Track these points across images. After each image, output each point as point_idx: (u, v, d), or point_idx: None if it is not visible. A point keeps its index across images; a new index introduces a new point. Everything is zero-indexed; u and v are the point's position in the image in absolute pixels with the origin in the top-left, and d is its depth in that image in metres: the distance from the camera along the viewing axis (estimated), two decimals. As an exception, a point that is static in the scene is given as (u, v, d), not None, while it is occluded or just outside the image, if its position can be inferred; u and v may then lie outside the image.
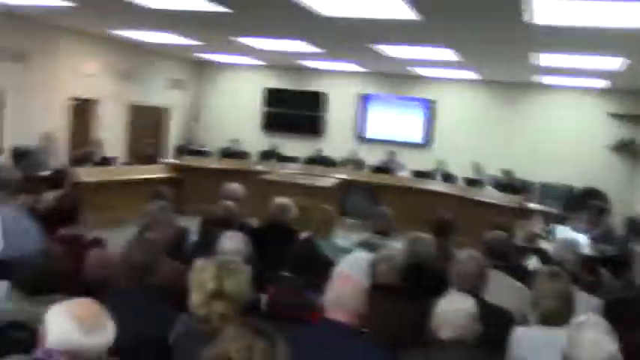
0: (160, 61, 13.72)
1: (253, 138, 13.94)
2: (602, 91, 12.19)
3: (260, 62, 14.06)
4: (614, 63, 8.77)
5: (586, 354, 2.26)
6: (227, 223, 4.60)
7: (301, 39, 9.67)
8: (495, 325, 3.04)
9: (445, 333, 2.60)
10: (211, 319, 2.48)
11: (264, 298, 3.60)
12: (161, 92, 13.89)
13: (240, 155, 12.13)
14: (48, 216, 4.22)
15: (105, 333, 2.00)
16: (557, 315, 3.01)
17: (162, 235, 3.85)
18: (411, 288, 3.68)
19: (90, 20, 9.85)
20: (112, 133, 12.12)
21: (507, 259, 4.15)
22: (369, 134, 13.95)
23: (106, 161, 9.98)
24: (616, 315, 3.55)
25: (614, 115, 12.17)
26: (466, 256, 3.46)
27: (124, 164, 11.15)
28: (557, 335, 2.70)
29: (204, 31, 9.80)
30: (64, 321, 1.95)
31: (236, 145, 12.68)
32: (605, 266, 6.08)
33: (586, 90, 12.26)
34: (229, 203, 4.88)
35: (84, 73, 11.36)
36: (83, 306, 2.02)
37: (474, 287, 3.30)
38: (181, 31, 10.05)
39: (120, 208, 8.94)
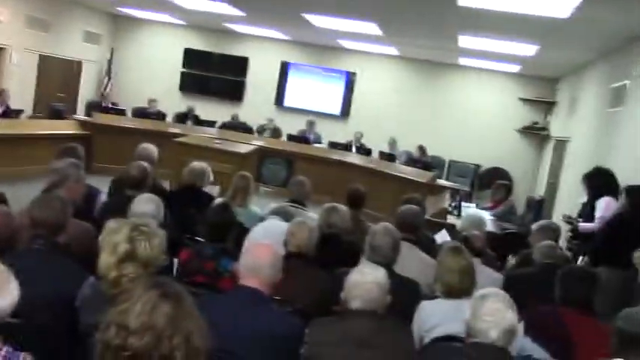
0: (77, 11, 13.03)
1: (170, 99, 13.54)
2: (515, 76, 12.68)
3: (181, 22, 13.65)
4: (529, 50, 9.13)
5: (487, 324, 2.38)
6: (141, 184, 4.48)
7: (225, 1, 9.44)
8: (404, 296, 3.15)
9: (355, 303, 2.65)
10: (121, 282, 2.41)
11: (176, 262, 3.57)
12: (75, 45, 13.21)
13: (156, 116, 11.79)
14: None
15: (7, 295, 1.91)
16: (459, 288, 3.16)
17: (72, 194, 3.70)
18: (325, 257, 3.74)
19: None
20: (20, 83, 11.47)
21: (418, 232, 4.28)
22: (288, 103, 13.91)
23: (9, 112, 9.42)
24: (515, 289, 3.77)
25: (524, 100, 12.71)
26: (381, 228, 3.53)
27: (31, 117, 10.60)
28: (459, 307, 2.82)
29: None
30: None
31: (154, 105, 12.26)
32: (506, 243, 6.41)
33: (500, 74, 12.71)
34: (144, 164, 4.73)
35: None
36: None
37: (386, 259, 3.38)
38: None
39: (23, 163, 8.55)
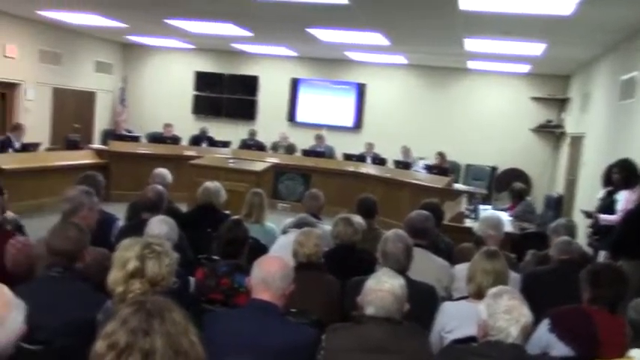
0: (87, 43, 13.27)
1: (184, 122, 13.68)
2: (525, 76, 12.63)
3: (191, 46, 13.83)
4: (536, 49, 9.09)
5: (507, 322, 2.37)
6: (156, 207, 4.54)
7: (232, 22, 9.56)
8: (419, 301, 3.14)
9: (370, 309, 2.65)
10: (127, 298, 2.42)
11: (192, 281, 3.60)
12: (88, 76, 13.44)
13: (171, 140, 11.91)
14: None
15: (8, 325, 1.88)
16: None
17: (86, 221, 3.75)
18: (339, 267, 3.76)
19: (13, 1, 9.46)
20: (36, 117, 11.68)
21: (429, 237, 4.24)
22: (300, 118, 13.98)
23: (26, 147, 9.58)
24: (533, 287, 3.75)
25: (537, 99, 12.64)
26: (391, 235, 3.53)
27: (48, 150, 10.78)
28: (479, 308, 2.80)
29: (132, 12, 9.55)
30: None
31: (169, 130, 12.35)
32: (526, 242, 6.36)
33: (510, 74, 12.66)
34: (158, 187, 4.80)
35: (4, 56, 10.86)
36: None
37: (399, 264, 3.38)
38: (108, 12, 9.74)
39: (42, 195, 8.72)
